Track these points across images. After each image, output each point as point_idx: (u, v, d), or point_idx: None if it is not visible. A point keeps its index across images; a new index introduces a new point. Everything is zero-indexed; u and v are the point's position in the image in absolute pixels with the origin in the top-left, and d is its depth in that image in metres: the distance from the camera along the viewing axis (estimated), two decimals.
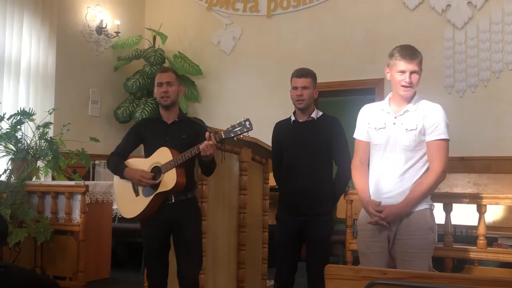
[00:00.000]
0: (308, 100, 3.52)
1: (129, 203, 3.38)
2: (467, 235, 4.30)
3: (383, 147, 2.92)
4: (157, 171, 3.28)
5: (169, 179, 3.22)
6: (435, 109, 2.88)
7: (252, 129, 3.11)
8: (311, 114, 3.57)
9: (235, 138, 3.16)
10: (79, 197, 4.94)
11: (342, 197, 4.13)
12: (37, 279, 3.78)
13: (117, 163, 3.44)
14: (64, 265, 4.98)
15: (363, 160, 3.05)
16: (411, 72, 2.82)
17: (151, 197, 3.27)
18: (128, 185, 3.39)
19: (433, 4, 6.13)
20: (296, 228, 3.53)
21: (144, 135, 3.49)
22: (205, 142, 3.11)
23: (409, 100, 2.89)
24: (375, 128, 2.96)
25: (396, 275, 1.90)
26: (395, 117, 2.90)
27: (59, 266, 5.00)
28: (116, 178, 3.51)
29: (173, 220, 3.33)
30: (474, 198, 3.70)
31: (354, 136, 3.10)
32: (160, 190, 3.25)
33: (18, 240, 4.58)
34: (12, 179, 5.03)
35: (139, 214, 3.33)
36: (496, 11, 5.84)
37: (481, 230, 3.64)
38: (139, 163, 3.40)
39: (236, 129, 3.11)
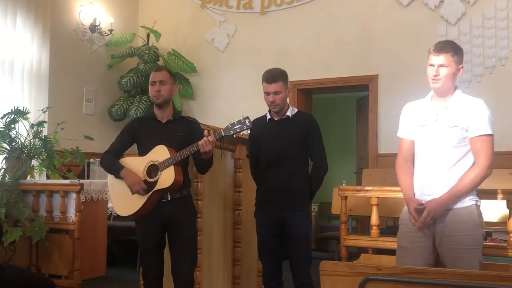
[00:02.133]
0: (281, 104, 3.51)
1: (124, 201, 3.37)
2: None
3: (426, 144, 2.90)
4: (154, 169, 3.27)
5: (167, 177, 3.22)
6: (477, 104, 2.86)
7: (251, 127, 3.15)
8: (286, 112, 3.56)
9: (234, 136, 3.18)
10: (74, 195, 4.93)
11: (337, 193, 4.14)
12: (33, 278, 3.79)
13: (112, 162, 3.42)
14: (59, 263, 4.98)
15: (406, 158, 3.01)
16: (439, 66, 2.83)
17: (149, 194, 3.26)
18: (123, 184, 3.37)
19: (426, 0, 6.14)
20: (275, 225, 3.51)
21: (138, 134, 3.47)
22: (204, 138, 3.12)
23: (449, 96, 2.89)
24: (417, 125, 2.94)
25: (391, 270, 1.91)
26: (437, 114, 2.88)
27: (54, 264, 5.00)
28: (110, 176, 3.49)
29: (169, 218, 3.32)
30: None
31: (398, 134, 3.08)
32: (158, 187, 3.24)
33: (13, 239, 4.57)
34: (6, 178, 5.02)
35: (136, 212, 3.31)
36: (489, 7, 5.86)
37: None
38: (135, 162, 3.38)
39: (235, 127, 3.14)
